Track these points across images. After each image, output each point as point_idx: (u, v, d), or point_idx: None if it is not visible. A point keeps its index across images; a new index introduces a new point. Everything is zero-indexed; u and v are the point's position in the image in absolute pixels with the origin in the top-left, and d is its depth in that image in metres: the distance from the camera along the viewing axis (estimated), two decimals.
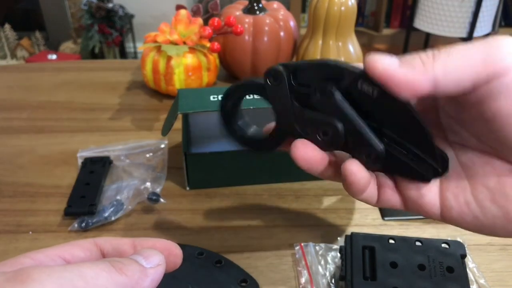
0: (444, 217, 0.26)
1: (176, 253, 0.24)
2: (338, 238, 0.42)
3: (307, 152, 0.26)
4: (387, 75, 0.22)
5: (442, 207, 0.26)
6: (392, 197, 0.27)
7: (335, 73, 0.25)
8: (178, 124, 0.51)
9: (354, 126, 0.25)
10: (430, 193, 0.26)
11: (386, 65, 0.22)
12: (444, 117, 0.26)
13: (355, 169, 0.26)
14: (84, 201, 0.44)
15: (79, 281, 0.18)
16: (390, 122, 0.25)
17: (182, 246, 0.40)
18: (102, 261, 0.20)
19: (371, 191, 0.27)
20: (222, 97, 0.30)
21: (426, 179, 0.25)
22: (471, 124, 0.24)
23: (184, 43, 0.63)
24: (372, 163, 0.25)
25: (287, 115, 0.27)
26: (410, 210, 0.27)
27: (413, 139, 0.24)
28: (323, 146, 0.26)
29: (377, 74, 0.22)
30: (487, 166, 0.24)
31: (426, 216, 0.27)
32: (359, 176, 0.26)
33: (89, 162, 0.50)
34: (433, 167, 0.24)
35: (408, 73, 0.22)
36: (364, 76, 0.23)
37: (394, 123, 0.24)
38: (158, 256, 0.22)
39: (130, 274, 0.20)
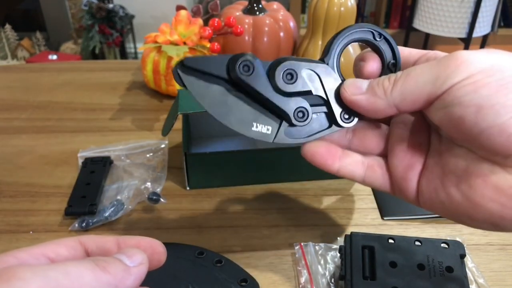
0: (419, 202, 0.28)
1: (159, 251, 0.25)
2: (338, 238, 0.42)
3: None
4: (354, 102, 0.26)
5: (417, 192, 0.28)
6: (381, 176, 0.29)
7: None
8: (178, 124, 0.51)
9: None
10: (413, 177, 0.28)
11: (353, 93, 0.26)
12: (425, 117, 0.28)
13: (322, 150, 0.29)
14: (85, 201, 0.44)
15: (64, 280, 0.18)
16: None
17: (182, 246, 0.40)
18: (87, 260, 0.20)
19: (357, 166, 0.29)
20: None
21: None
22: (440, 127, 0.26)
23: (184, 43, 0.63)
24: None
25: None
26: (394, 192, 0.29)
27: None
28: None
29: (347, 101, 0.27)
30: (459, 158, 0.26)
31: (406, 200, 0.29)
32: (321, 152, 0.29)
33: (89, 162, 0.50)
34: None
35: (370, 100, 0.26)
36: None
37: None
38: (141, 255, 0.22)
39: (114, 272, 0.20)
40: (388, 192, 0.29)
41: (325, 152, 0.28)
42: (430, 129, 0.29)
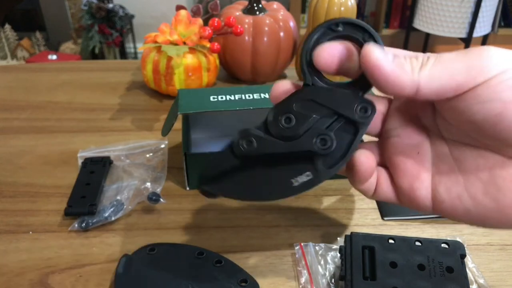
0: (436, 210, 0.27)
1: None
2: (338, 238, 0.42)
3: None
4: (377, 67, 0.24)
5: (433, 200, 0.27)
6: (387, 189, 0.28)
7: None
8: (178, 124, 0.51)
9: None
10: (422, 186, 0.27)
11: (380, 58, 0.24)
12: (438, 117, 0.27)
13: (363, 159, 0.27)
14: (84, 201, 0.44)
15: None
16: None
17: (182, 246, 0.40)
18: None
19: (372, 182, 0.28)
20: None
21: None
22: (462, 125, 0.25)
23: (184, 43, 0.63)
24: None
25: None
26: (403, 203, 0.28)
27: None
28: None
29: (370, 63, 0.24)
30: (480, 160, 0.25)
31: (418, 210, 0.28)
32: (366, 165, 0.27)
33: (89, 162, 0.50)
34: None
35: (395, 72, 0.23)
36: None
37: None
38: None
39: None
40: (396, 203, 0.29)
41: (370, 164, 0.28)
42: (429, 134, 0.28)
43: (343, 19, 0.27)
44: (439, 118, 0.27)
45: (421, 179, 0.27)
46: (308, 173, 0.27)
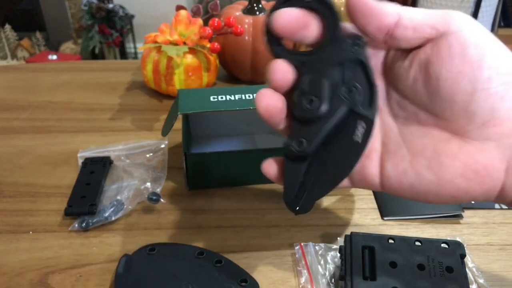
0: (383, 186, 0.28)
1: None
2: (338, 238, 0.42)
3: (270, 101, 0.28)
4: (361, 1, 0.26)
5: (381, 177, 0.28)
6: None
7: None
8: (178, 124, 0.51)
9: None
10: (372, 164, 0.28)
11: None
12: (392, 93, 0.28)
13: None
14: (85, 201, 0.44)
15: None
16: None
17: (182, 246, 0.40)
18: None
19: None
20: None
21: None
22: (415, 89, 0.27)
23: (184, 43, 0.63)
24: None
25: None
26: (355, 183, 0.30)
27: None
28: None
29: None
30: (426, 138, 0.27)
31: (368, 188, 0.29)
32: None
33: (89, 162, 0.50)
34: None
35: (379, 4, 0.25)
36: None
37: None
38: None
39: None
40: (348, 186, 0.30)
41: None
42: (380, 114, 0.29)
43: None
44: (393, 93, 0.28)
45: (371, 157, 0.28)
46: (360, 123, 0.27)
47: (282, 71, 0.28)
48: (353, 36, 0.27)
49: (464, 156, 0.25)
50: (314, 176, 0.28)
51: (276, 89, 0.28)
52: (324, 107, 0.27)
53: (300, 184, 0.29)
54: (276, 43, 0.28)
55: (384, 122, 0.29)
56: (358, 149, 0.27)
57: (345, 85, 0.27)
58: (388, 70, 0.29)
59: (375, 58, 0.28)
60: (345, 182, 0.29)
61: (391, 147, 0.28)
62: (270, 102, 0.28)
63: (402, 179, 0.27)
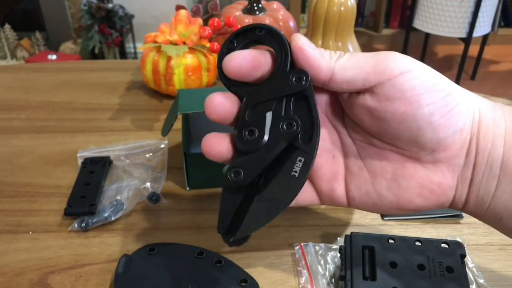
0: (350, 205, 0.31)
1: None
2: (338, 238, 0.42)
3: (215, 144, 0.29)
4: (301, 50, 0.27)
5: (347, 198, 0.30)
6: (311, 195, 0.31)
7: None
8: (178, 124, 0.51)
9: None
10: (339, 186, 0.30)
11: (305, 43, 0.27)
12: (347, 118, 0.30)
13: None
14: (84, 201, 0.44)
15: None
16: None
17: (182, 246, 0.40)
18: None
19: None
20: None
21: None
22: (364, 125, 0.28)
23: (184, 43, 0.63)
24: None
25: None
26: (324, 203, 0.32)
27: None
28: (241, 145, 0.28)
29: (296, 45, 0.27)
30: (384, 161, 0.29)
31: (337, 206, 0.31)
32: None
33: (89, 162, 0.50)
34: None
35: (316, 56, 0.27)
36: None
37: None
38: None
39: None
40: (317, 204, 0.32)
41: None
42: (340, 136, 0.30)
43: (264, 26, 0.28)
44: (347, 119, 0.30)
45: (337, 180, 0.30)
46: (298, 158, 0.27)
47: (217, 102, 0.28)
48: (298, 70, 0.27)
49: (420, 178, 0.28)
50: (249, 208, 0.28)
51: (216, 121, 0.29)
52: (264, 139, 0.27)
53: (235, 214, 0.29)
54: (227, 77, 0.28)
55: (344, 144, 0.30)
56: (296, 184, 0.27)
57: (286, 119, 0.27)
58: (339, 96, 0.30)
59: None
60: (315, 200, 0.31)
61: (353, 169, 0.30)
62: (213, 144, 0.29)
63: (366, 199, 0.30)
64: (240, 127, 0.28)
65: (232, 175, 0.28)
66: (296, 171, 0.27)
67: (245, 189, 0.28)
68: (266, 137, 0.27)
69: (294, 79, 0.27)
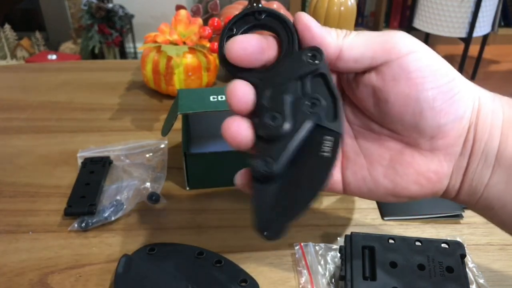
0: (346, 191, 0.30)
1: None
2: (338, 238, 0.42)
3: (237, 129, 0.27)
4: (308, 27, 0.26)
5: (343, 183, 0.30)
6: None
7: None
8: (178, 124, 0.51)
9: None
10: (335, 172, 0.30)
11: (310, 20, 0.26)
12: (346, 103, 0.30)
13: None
14: (84, 201, 0.44)
15: None
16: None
17: (181, 246, 0.40)
18: None
19: None
20: None
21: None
22: (366, 107, 0.28)
23: (184, 43, 0.63)
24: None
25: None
26: None
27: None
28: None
29: (301, 23, 0.26)
30: (382, 148, 0.29)
31: (333, 192, 0.31)
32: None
33: (89, 162, 0.50)
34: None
35: (323, 33, 0.26)
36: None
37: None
38: None
39: None
40: None
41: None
42: (349, 122, 0.30)
43: (263, 8, 0.27)
44: (347, 103, 0.30)
45: (335, 165, 0.29)
46: (326, 137, 0.26)
47: (241, 91, 0.26)
48: (311, 48, 0.26)
49: (418, 165, 0.28)
50: (285, 197, 0.26)
51: (238, 112, 0.27)
52: (288, 123, 0.26)
53: (271, 207, 0.26)
54: (231, 64, 0.27)
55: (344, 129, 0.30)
56: (328, 164, 0.26)
57: (307, 99, 0.26)
58: (340, 79, 0.29)
59: None
60: None
61: (350, 154, 0.30)
62: (237, 130, 0.27)
63: (361, 185, 0.29)
64: (260, 114, 0.26)
65: (263, 166, 0.26)
66: (325, 151, 0.26)
67: (277, 178, 0.26)
68: (289, 121, 0.26)
69: (308, 57, 0.26)
